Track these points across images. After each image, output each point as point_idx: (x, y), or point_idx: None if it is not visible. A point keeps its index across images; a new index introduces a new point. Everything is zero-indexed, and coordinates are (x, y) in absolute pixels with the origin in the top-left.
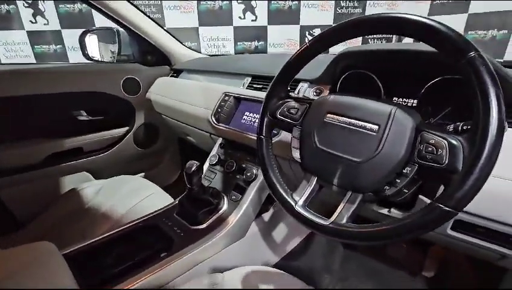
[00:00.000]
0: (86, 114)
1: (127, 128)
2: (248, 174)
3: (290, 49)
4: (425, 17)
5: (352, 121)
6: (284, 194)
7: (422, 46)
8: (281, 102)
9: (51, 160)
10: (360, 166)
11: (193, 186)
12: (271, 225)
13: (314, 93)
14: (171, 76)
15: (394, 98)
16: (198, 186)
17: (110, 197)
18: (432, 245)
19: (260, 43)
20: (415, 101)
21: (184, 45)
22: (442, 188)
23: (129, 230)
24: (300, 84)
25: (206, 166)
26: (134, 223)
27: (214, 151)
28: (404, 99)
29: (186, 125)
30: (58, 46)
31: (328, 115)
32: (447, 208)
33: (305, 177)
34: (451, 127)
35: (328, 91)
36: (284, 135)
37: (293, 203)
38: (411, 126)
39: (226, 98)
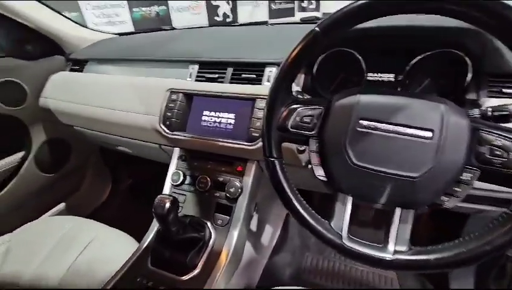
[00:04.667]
0: None
1: (22, 153)
2: (231, 189)
3: (196, 13)
4: None
5: (398, 128)
6: (324, 231)
7: (411, 21)
8: (287, 110)
9: None
10: (415, 181)
11: (170, 227)
12: (258, 231)
13: None
14: (71, 70)
15: (370, 74)
16: (176, 226)
17: (26, 260)
18: None
19: (161, 7)
20: (393, 75)
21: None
22: None
23: None
24: (267, 69)
25: (167, 187)
26: None
27: (172, 168)
28: (381, 75)
29: (118, 137)
30: None
31: (362, 122)
32: None
33: (338, 198)
34: (476, 113)
35: (303, 75)
36: None
37: (339, 239)
38: (466, 126)
39: (174, 96)
